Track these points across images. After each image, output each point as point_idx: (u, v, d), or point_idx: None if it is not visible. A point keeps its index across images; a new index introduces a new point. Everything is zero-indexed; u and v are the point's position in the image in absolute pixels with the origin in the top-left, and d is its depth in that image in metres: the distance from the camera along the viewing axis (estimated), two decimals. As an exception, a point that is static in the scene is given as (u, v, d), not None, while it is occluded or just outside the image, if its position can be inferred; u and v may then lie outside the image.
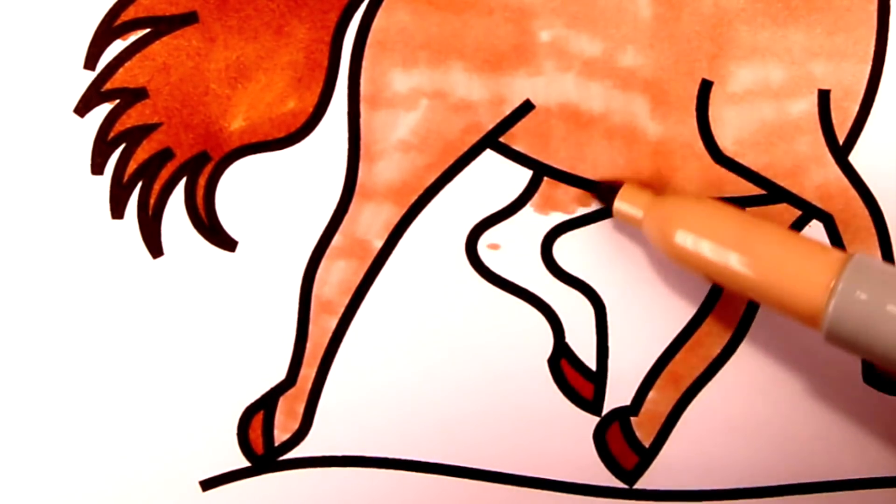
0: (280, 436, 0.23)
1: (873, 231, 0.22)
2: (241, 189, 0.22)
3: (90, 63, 0.22)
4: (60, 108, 0.22)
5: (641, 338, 0.23)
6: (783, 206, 0.22)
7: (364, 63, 0.22)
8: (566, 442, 0.23)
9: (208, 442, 0.23)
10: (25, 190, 0.22)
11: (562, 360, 0.23)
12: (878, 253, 0.22)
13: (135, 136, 0.22)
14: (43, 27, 0.22)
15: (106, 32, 0.22)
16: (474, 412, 0.23)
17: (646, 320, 0.23)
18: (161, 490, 0.23)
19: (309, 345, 0.23)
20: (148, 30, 0.22)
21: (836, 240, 0.22)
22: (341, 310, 0.23)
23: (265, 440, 0.23)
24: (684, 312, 0.23)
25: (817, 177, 0.22)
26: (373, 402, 0.23)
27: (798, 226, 0.22)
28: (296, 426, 0.23)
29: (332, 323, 0.23)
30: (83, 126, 0.22)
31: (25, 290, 0.22)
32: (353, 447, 0.24)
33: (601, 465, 0.23)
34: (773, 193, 0.22)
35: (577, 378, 0.23)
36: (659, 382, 0.23)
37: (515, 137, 0.22)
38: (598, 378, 0.23)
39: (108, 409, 0.23)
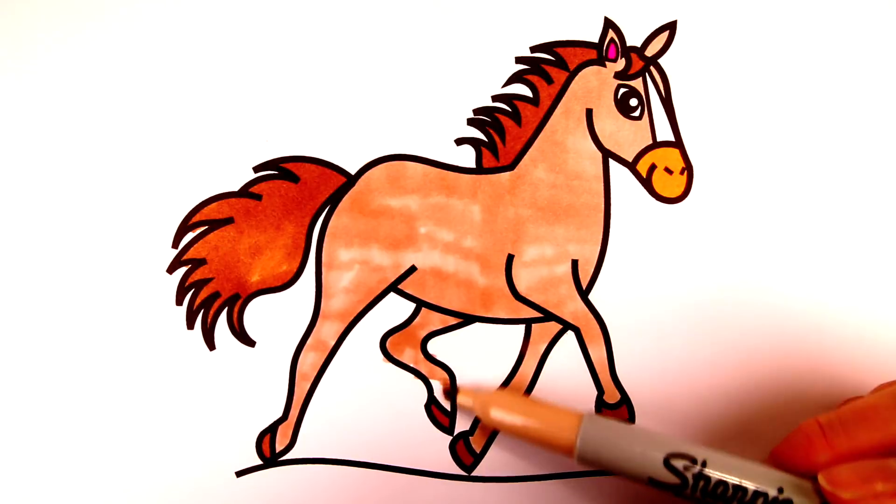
0: (278, 447, 0.41)
1: (602, 338, 0.40)
2: (257, 313, 0.40)
3: (175, 244, 0.40)
4: (159, 270, 0.40)
5: (477, 393, 0.40)
6: (553, 322, 0.40)
7: (324, 244, 0.40)
8: (433, 450, 0.41)
9: (240, 451, 0.40)
10: (140, 318, 0.40)
11: (433, 405, 0.41)
12: (604, 349, 0.40)
13: (199, 285, 0.40)
14: (153, 226, 0.39)
15: (183, 228, 0.40)
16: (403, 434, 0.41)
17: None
18: (214, 477, 0.41)
19: (294, 397, 0.41)
20: (206, 227, 0.40)
21: (581, 342, 0.40)
22: (312, 378, 0.41)
23: (270, 449, 0.41)
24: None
25: (571, 307, 0.40)
26: (330, 427, 0.41)
27: (560, 333, 0.40)
28: (287, 442, 0.41)
29: (307, 385, 0.40)
30: (172, 280, 0.40)
31: (125, 375, 0.40)
32: (320, 453, 0.41)
33: (452, 462, 0.41)
34: (547, 315, 0.40)
35: (441, 415, 0.41)
36: (486, 418, 0.41)
37: (406, 285, 0.40)
38: (452, 414, 0.41)
39: (184, 439, 0.41)
